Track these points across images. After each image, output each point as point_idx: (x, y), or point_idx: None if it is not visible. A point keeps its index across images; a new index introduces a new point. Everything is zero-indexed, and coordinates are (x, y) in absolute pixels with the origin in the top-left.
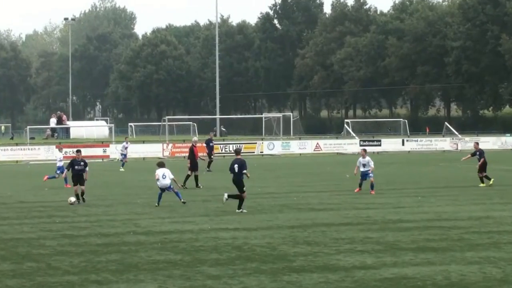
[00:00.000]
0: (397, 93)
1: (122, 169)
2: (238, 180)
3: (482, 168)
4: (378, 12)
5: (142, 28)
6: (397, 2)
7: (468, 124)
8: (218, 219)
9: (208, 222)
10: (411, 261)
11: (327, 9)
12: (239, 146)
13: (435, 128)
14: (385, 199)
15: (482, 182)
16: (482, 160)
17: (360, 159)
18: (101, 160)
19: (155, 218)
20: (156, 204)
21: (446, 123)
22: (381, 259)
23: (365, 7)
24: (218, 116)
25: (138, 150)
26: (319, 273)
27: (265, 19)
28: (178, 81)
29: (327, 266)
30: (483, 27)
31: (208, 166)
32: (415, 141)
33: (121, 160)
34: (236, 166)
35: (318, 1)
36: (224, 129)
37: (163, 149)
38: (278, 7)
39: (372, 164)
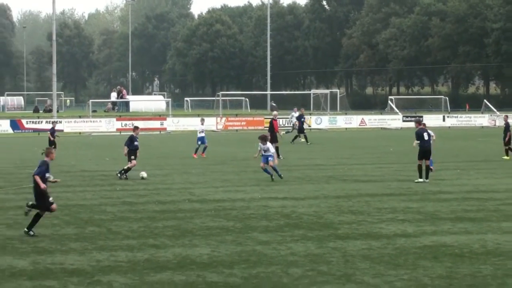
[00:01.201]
0: (439, 72)
1: (302, 140)
2: (429, 146)
3: (509, 141)
4: None
5: (198, 8)
6: None
7: (506, 101)
8: (269, 188)
9: (259, 192)
10: (450, 230)
11: None
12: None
13: (475, 105)
14: None
15: (507, 154)
16: (508, 134)
17: None
18: (158, 133)
19: (209, 187)
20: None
21: (485, 100)
22: (421, 228)
23: None
24: (269, 92)
25: (194, 124)
26: (363, 240)
27: (315, 0)
28: (232, 59)
29: (370, 233)
30: None
31: (306, 140)
32: (455, 117)
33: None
34: (425, 134)
35: None
36: (274, 104)
37: (217, 123)
38: None
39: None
